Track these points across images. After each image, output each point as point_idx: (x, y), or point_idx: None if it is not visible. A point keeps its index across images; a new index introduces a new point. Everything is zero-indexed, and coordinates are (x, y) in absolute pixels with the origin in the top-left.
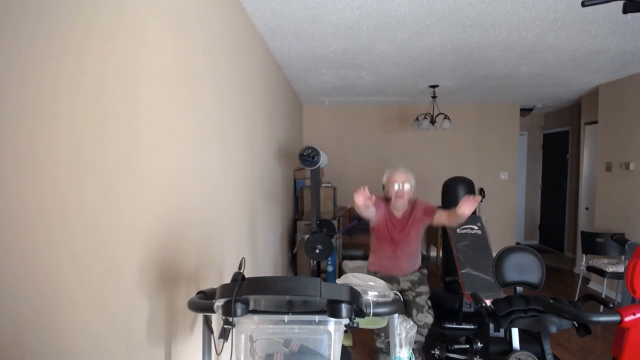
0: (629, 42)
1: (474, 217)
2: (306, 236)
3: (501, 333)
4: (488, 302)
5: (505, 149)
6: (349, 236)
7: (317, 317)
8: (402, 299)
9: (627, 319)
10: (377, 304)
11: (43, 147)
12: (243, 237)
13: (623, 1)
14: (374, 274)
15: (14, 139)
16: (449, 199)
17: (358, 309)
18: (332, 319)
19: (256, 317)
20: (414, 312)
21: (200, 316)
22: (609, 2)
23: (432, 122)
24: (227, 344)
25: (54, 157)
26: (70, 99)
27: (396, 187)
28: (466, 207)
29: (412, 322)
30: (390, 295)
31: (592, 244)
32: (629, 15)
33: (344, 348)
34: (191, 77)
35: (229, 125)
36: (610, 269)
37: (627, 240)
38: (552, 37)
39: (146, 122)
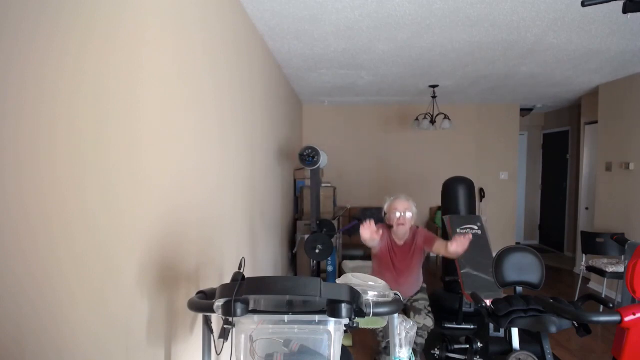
0: (629, 42)
1: (474, 217)
2: (306, 236)
3: (501, 333)
4: (488, 302)
5: (505, 149)
6: (349, 236)
7: (317, 317)
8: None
9: (627, 319)
10: (377, 304)
11: (43, 147)
12: (243, 237)
13: (623, 1)
14: None
15: (14, 139)
16: (449, 199)
17: (358, 309)
18: (332, 319)
19: (256, 317)
20: (412, 314)
21: (200, 316)
22: (609, 2)
23: (432, 122)
24: (227, 344)
25: (54, 157)
26: (70, 99)
27: (398, 215)
28: (458, 247)
29: (412, 322)
30: (390, 295)
31: (592, 244)
32: (629, 15)
33: (344, 348)
34: (191, 77)
35: (229, 125)
36: (610, 269)
37: (627, 240)
38: (552, 37)
39: (146, 122)
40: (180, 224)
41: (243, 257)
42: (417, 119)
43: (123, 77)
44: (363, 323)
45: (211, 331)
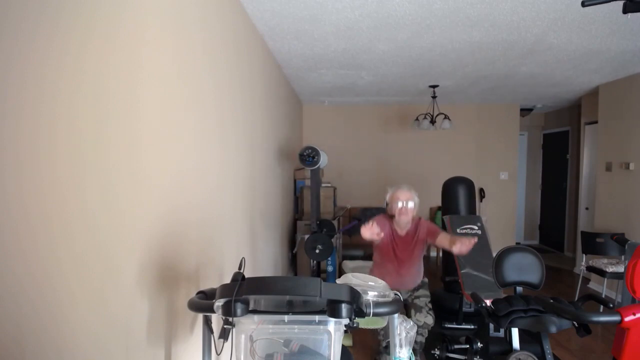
0: (629, 42)
1: (474, 217)
2: (306, 236)
3: (501, 333)
4: (488, 302)
5: (505, 149)
6: (349, 236)
7: (317, 317)
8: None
9: (627, 319)
10: (377, 304)
11: (43, 147)
12: (243, 237)
13: (623, 1)
14: None
15: (14, 139)
16: (449, 199)
17: (358, 309)
18: (332, 319)
19: (256, 317)
20: (412, 312)
21: (200, 316)
22: (609, 2)
23: (432, 122)
24: (227, 344)
25: (54, 157)
26: (70, 99)
27: (400, 204)
28: (462, 249)
29: (412, 322)
30: (390, 295)
31: (592, 244)
32: (629, 15)
33: (344, 348)
34: (191, 77)
35: (229, 125)
36: (610, 269)
37: (627, 240)
38: (552, 37)
39: (146, 122)
40: (180, 224)
41: (243, 257)
42: (417, 119)
43: (123, 77)
44: (363, 323)
45: (211, 331)
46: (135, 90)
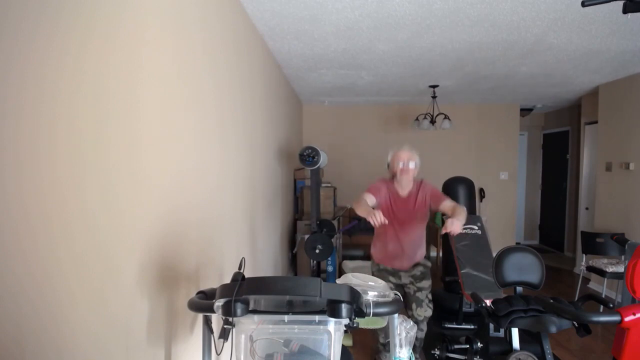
0: (629, 42)
1: (474, 217)
2: (306, 236)
3: (501, 333)
4: (488, 302)
5: (505, 149)
6: (349, 236)
7: (317, 317)
8: (402, 291)
9: (627, 319)
10: (377, 304)
11: (43, 147)
12: (243, 237)
13: (623, 1)
14: (377, 265)
15: (14, 139)
16: None
17: (358, 309)
18: (332, 319)
19: (256, 317)
20: (414, 306)
21: (200, 316)
22: (609, 2)
23: (432, 122)
24: (227, 344)
25: (54, 157)
26: (70, 99)
27: (401, 164)
28: (452, 228)
29: (412, 322)
30: (390, 295)
31: (592, 244)
32: (629, 15)
33: (344, 348)
34: (191, 77)
35: (229, 125)
36: (610, 269)
37: (627, 240)
38: (552, 37)
39: (146, 122)
40: (180, 224)
41: (243, 257)
42: (417, 119)
43: (123, 77)
44: (363, 323)
45: (211, 331)
46: (135, 90)
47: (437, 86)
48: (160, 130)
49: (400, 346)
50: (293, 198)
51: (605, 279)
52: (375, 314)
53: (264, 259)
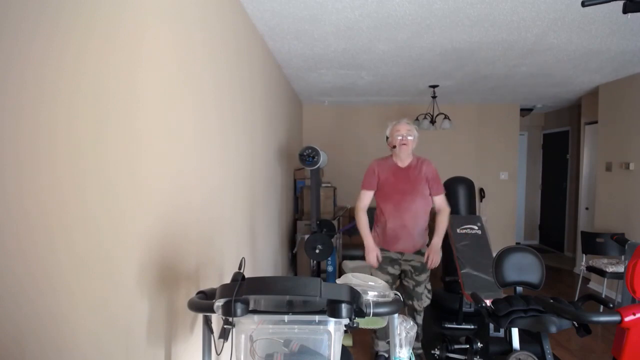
0: (629, 42)
1: (474, 217)
2: (306, 236)
3: (501, 333)
4: (488, 302)
5: (505, 149)
6: (349, 236)
7: (317, 317)
8: (401, 283)
9: (627, 319)
10: (377, 304)
11: (43, 147)
12: (243, 237)
13: (623, 1)
14: (380, 249)
15: (14, 139)
16: (449, 199)
17: (358, 309)
18: (332, 319)
19: (256, 317)
20: (415, 299)
21: (200, 316)
22: (609, 2)
23: (432, 122)
24: (227, 344)
25: (54, 157)
26: (70, 99)
27: (400, 137)
28: (430, 262)
29: (412, 322)
30: (390, 295)
31: (592, 244)
32: (629, 15)
33: (344, 348)
34: (191, 77)
35: (229, 125)
36: (610, 269)
37: (627, 240)
38: (552, 37)
39: (146, 122)
40: (180, 224)
41: (243, 257)
42: (417, 119)
43: (123, 77)
44: (363, 323)
45: (211, 331)
46: (135, 90)
47: (437, 86)
48: (160, 130)
49: (400, 346)
50: (293, 198)
51: (605, 279)
52: (375, 314)
53: (264, 259)
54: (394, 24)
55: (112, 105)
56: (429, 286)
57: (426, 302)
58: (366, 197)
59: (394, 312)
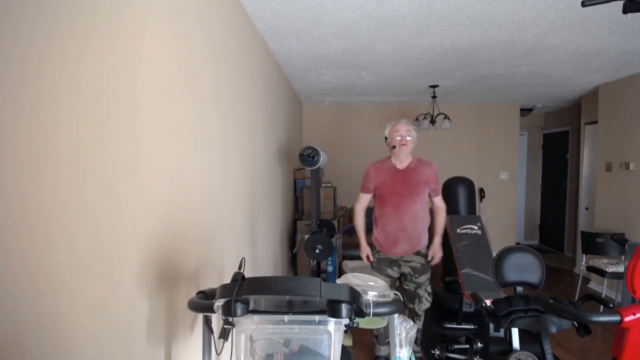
0: (629, 42)
1: (474, 217)
2: (306, 236)
3: (501, 333)
4: (488, 302)
5: (505, 149)
6: (349, 236)
7: (317, 317)
8: (401, 285)
9: (627, 319)
10: (377, 304)
11: (43, 147)
12: (243, 237)
13: (623, 1)
14: (378, 253)
15: (14, 139)
16: (449, 199)
17: (358, 309)
18: (332, 319)
19: (256, 317)
20: (416, 301)
21: (200, 316)
22: (609, 2)
23: (432, 122)
24: (227, 344)
25: (54, 157)
26: (70, 99)
27: (399, 137)
28: (433, 258)
29: (412, 322)
30: (390, 295)
31: (592, 244)
32: (629, 15)
33: (344, 348)
34: (191, 77)
35: (229, 125)
36: (610, 269)
37: (627, 240)
38: (552, 37)
39: (146, 122)
40: (180, 224)
41: (243, 257)
42: (417, 119)
43: (123, 77)
44: (363, 323)
45: (211, 331)
46: (135, 90)
47: (437, 86)
48: (160, 131)
49: (400, 346)
50: (293, 198)
51: (605, 279)
52: (375, 314)
53: (264, 259)
54: (394, 24)
55: (112, 105)
56: (429, 289)
57: (426, 305)
58: (364, 199)
59: (394, 312)
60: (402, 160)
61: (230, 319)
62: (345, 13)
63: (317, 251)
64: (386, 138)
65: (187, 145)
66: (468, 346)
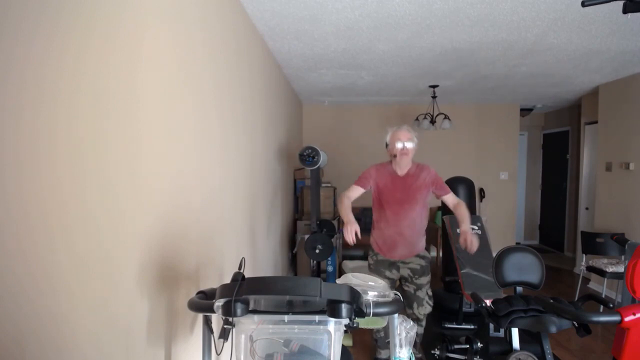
0: (629, 42)
1: (474, 217)
2: (306, 236)
3: (501, 333)
4: (488, 302)
5: (505, 149)
6: None
7: (317, 317)
8: (401, 288)
9: (627, 319)
10: (377, 304)
11: (43, 147)
12: (243, 237)
13: (623, 1)
14: (376, 255)
15: (14, 139)
16: None
17: (358, 309)
18: (332, 319)
19: (256, 317)
20: (415, 305)
21: (200, 316)
22: (609, 2)
23: (432, 122)
24: (227, 344)
25: (54, 157)
26: (70, 99)
27: (400, 145)
28: (468, 246)
29: (412, 322)
30: (390, 295)
31: (592, 244)
32: (629, 15)
33: (344, 348)
34: (191, 77)
35: (229, 125)
36: (610, 269)
37: (627, 240)
38: (552, 37)
39: (146, 122)
40: (180, 224)
41: (243, 257)
42: (417, 119)
43: (123, 77)
44: (363, 323)
45: (211, 331)
46: (135, 90)
47: (437, 86)
48: (160, 130)
49: (400, 346)
50: (293, 198)
51: (605, 279)
52: (375, 314)
53: (264, 259)
54: (394, 24)
55: (112, 105)
56: (430, 292)
57: (427, 308)
58: (355, 191)
59: (394, 312)
60: (403, 167)
61: (230, 319)
62: (345, 13)
63: (317, 251)
64: (387, 145)
65: (187, 145)
66: (468, 346)
